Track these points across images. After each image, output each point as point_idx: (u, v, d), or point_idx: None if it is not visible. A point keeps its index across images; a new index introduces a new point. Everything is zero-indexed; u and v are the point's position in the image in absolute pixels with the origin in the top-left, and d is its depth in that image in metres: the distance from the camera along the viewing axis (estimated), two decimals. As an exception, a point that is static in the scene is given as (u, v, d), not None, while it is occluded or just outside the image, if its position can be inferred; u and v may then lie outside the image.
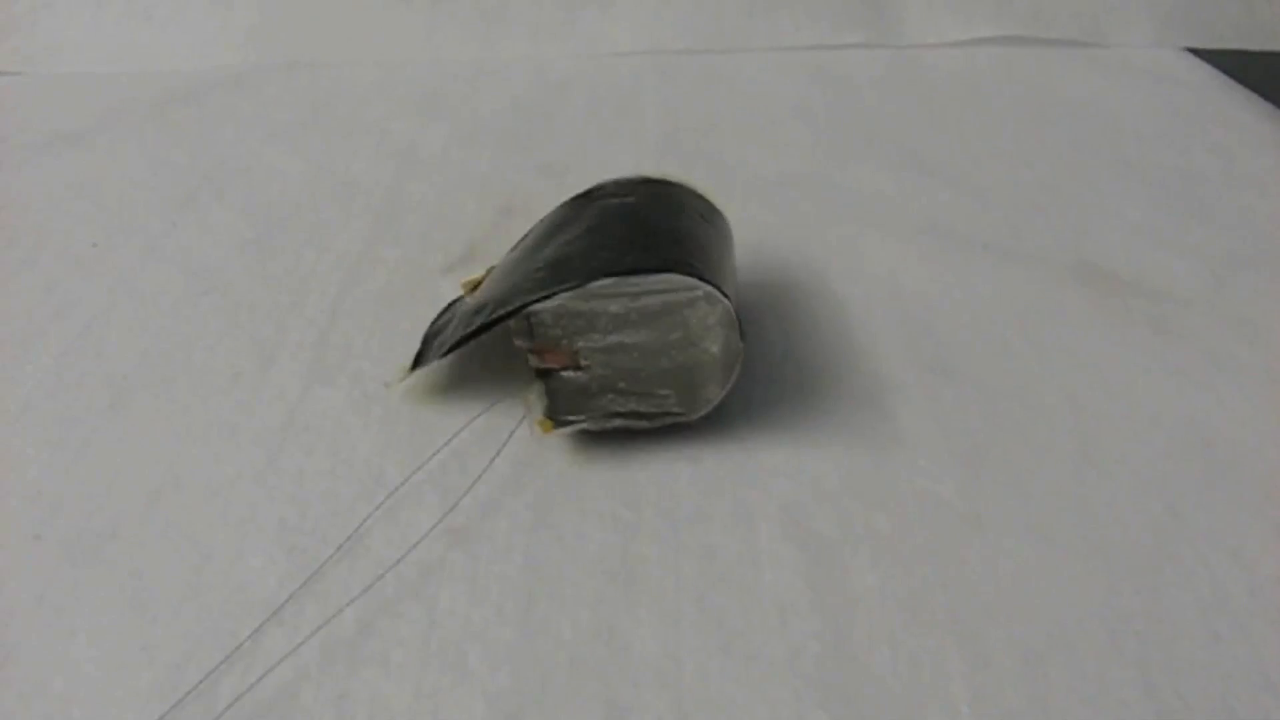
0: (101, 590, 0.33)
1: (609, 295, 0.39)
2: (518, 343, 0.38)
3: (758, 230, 0.51)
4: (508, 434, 0.37)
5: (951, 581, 0.33)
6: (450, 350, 0.39)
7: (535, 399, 0.38)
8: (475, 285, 0.43)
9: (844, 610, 0.32)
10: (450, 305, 0.44)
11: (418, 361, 0.41)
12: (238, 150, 0.62)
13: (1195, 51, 0.75)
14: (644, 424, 0.37)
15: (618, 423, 0.37)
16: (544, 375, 0.38)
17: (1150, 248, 0.51)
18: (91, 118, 0.66)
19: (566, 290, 0.36)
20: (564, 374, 0.37)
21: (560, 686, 0.30)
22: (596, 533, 0.35)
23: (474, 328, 0.38)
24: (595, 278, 0.36)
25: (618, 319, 0.38)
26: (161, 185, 0.57)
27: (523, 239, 0.44)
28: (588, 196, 0.43)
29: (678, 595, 0.32)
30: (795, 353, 0.43)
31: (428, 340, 0.42)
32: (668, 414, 0.37)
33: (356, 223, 0.53)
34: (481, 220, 0.53)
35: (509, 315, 0.37)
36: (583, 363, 0.37)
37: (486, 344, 0.42)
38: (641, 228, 0.39)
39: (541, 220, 0.44)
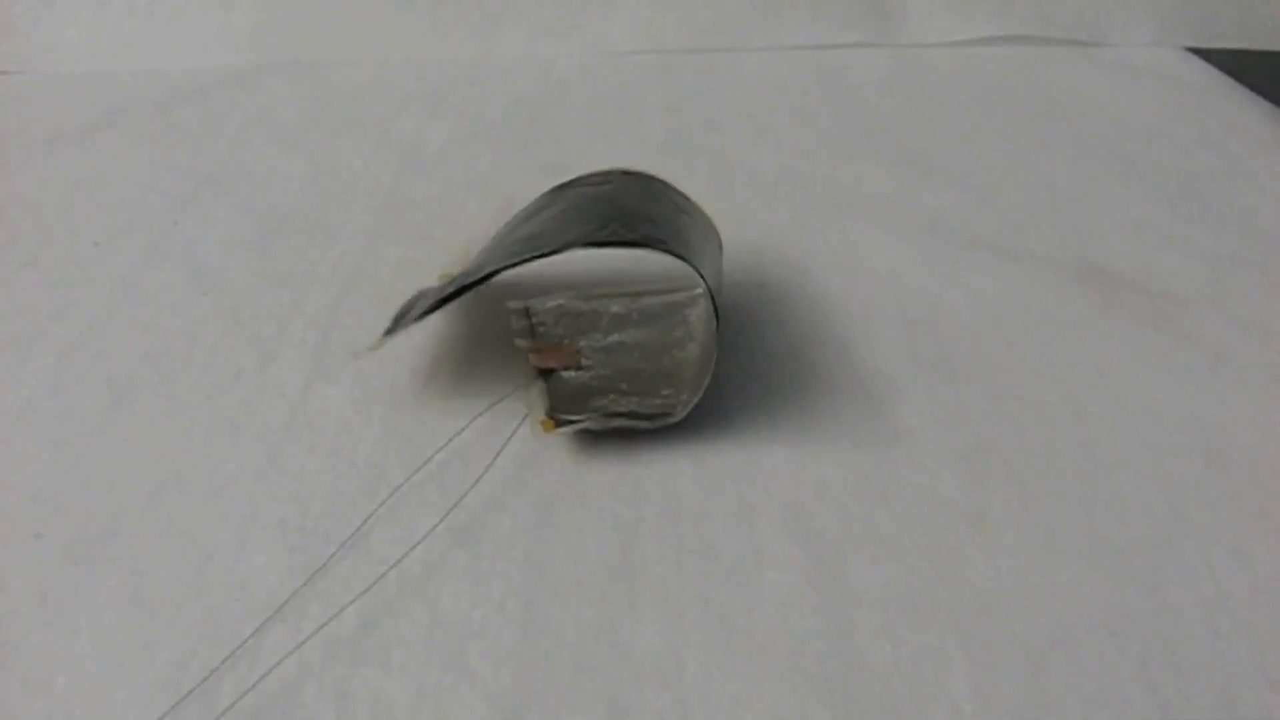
0: (103, 588, 0.33)
1: (610, 295, 0.39)
2: (519, 342, 0.38)
3: (758, 229, 0.51)
4: (509, 433, 0.37)
5: (953, 579, 0.33)
6: (424, 315, 0.39)
7: (536, 398, 0.38)
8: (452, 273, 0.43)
9: (846, 608, 0.32)
10: (422, 290, 0.43)
11: (390, 331, 0.40)
12: (239, 150, 0.62)
13: (1196, 51, 0.75)
14: (645, 424, 0.37)
15: (619, 423, 0.37)
16: (545, 375, 0.38)
17: (1151, 247, 0.51)
18: (93, 117, 0.66)
19: (539, 257, 0.35)
20: (565, 374, 0.37)
21: (562, 685, 0.30)
22: (598, 531, 0.35)
23: (447, 294, 0.38)
24: (570, 247, 0.35)
25: (619, 319, 0.38)
26: (163, 184, 0.57)
27: (501, 228, 0.44)
28: (565, 185, 0.43)
29: (680, 593, 0.32)
30: (796, 351, 0.43)
31: (400, 316, 0.41)
32: (668, 414, 0.37)
33: (358, 222, 0.53)
34: (482, 220, 0.53)
35: (482, 280, 0.36)
36: (584, 362, 0.37)
37: (487, 344, 0.42)
38: (618, 209, 0.39)
39: (521, 210, 0.43)
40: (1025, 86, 0.70)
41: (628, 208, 0.39)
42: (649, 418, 0.37)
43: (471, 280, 0.37)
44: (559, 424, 0.37)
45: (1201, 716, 0.29)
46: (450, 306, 0.45)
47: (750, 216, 0.52)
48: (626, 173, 0.42)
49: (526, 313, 0.41)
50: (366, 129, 0.64)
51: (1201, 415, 0.40)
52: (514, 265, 0.36)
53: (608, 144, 0.62)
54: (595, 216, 0.38)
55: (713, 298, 0.36)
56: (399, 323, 0.41)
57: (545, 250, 0.35)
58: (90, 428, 0.39)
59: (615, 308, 0.40)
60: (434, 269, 0.49)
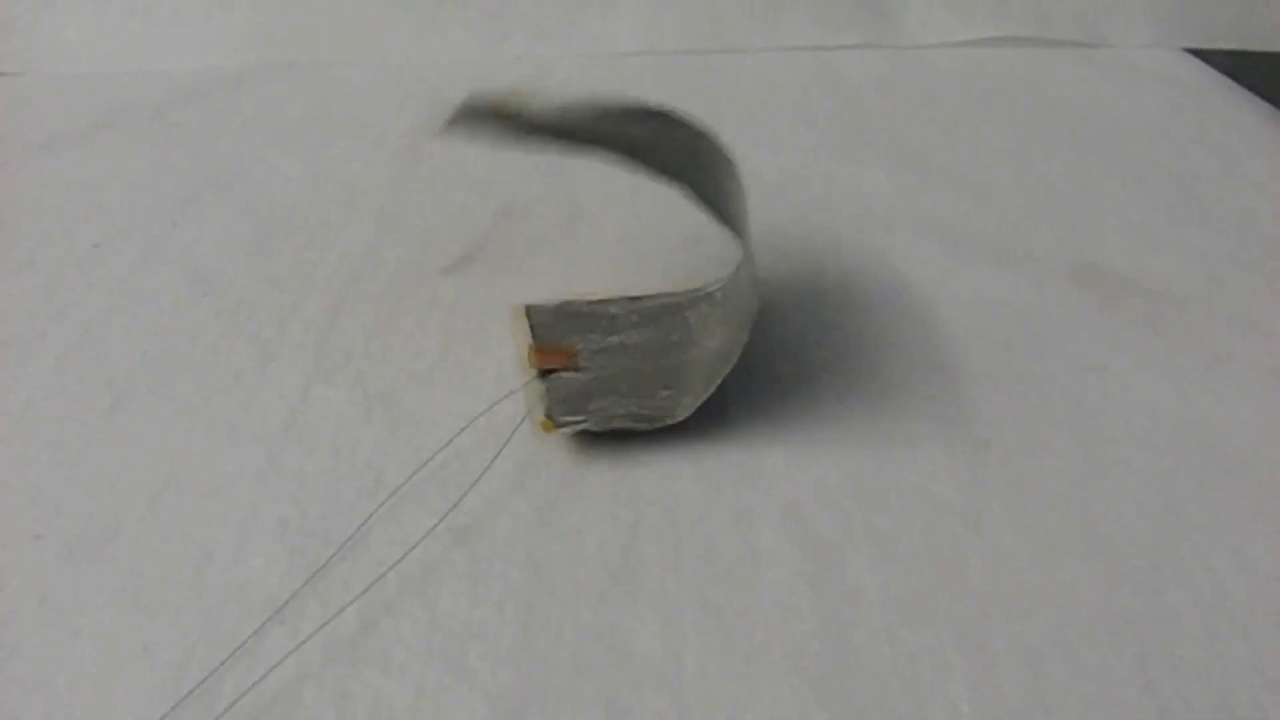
0: (103, 590, 0.33)
1: (609, 297, 0.38)
2: (518, 343, 0.38)
3: (758, 229, 0.51)
4: (509, 434, 0.37)
5: (952, 581, 0.33)
6: (510, 136, 0.37)
7: (536, 399, 0.38)
8: (516, 103, 0.40)
9: (844, 609, 0.32)
10: (479, 91, 0.39)
11: (453, 122, 0.38)
12: (239, 151, 0.62)
13: (1195, 52, 0.75)
14: (644, 426, 0.37)
15: (618, 424, 0.37)
16: (545, 376, 0.38)
17: (1150, 248, 0.51)
18: (92, 118, 0.66)
19: (646, 174, 0.37)
20: (564, 375, 0.38)
21: (561, 686, 0.30)
22: (597, 532, 0.35)
23: (539, 127, 0.37)
24: (673, 183, 0.37)
25: (618, 320, 0.38)
26: (162, 185, 0.57)
27: (581, 99, 0.40)
28: (660, 113, 0.40)
29: (679, 594, 0.32)
30: (794, 352, 0.43)
31: (463, 113, 0.38)
32: (668, 416, 0.37)
33: (357, 223, 0.53)
34: (481, 220, 0.53)
35: (580, 151, 0.37)
36: (583, 364, 0.37)
37: (487, 344, 0.42)
38: (713, 177, 0.39)
39: (603, 96, 0.40)
40: (1024, 87, 0.70)
41: (716, 180, 0.39)
42: (648, 419, 0.37)
43: (567, 136, 0.36)
44: (558, 425, 0.37)
45: (1199, 717, 0.29)
46: (448, 307, 0.45)
47: (749, 217, 0.52)
48: (714, 141, 0.40)
49: (526, 313, 0.41)
50: (365, 130, 0.64)
51: (1200, 416, 0.40)
52: (622, 166, 0.36)
53: (607, 145, 0.62)
54: (696, 170, 0.38)
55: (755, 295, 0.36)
56: (462, 116, 0.38)
57: (654, 174, 0.36)
58: (90, 429, 0.39)
59: (614, 309, 0.40)
60: (433, 270, 0.49)
